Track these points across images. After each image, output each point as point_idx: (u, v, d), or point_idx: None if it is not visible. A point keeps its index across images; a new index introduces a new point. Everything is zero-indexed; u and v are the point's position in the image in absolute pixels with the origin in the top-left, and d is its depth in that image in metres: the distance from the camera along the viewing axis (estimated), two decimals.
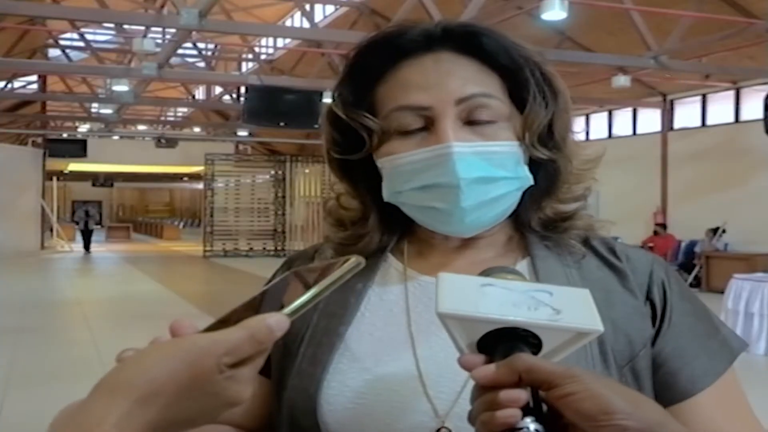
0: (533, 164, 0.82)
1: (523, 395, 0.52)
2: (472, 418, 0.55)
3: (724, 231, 12.68)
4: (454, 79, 0.78)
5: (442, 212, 0.79)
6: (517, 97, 0.80)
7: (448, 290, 0.59)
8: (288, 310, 0.56)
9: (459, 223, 0.79)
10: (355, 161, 0.83)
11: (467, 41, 0.80)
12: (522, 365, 0.53)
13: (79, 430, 0.48)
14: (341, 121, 0.83)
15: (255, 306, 0.59)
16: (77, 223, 24.07)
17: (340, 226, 0.88)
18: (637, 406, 0.53)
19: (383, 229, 0.86)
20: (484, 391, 0.55)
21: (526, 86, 0.79)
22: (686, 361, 0.78)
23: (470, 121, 0.78)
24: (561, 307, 0.58)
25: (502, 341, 0.57)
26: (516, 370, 0.53)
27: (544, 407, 0.54)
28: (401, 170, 0.79)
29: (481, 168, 0.77)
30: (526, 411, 0.52)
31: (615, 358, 0.75)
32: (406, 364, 0.76)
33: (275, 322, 0.54)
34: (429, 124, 0.78)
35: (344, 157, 0.84)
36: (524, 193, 0.82)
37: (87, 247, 23.12)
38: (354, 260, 0.59)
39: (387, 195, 0.83)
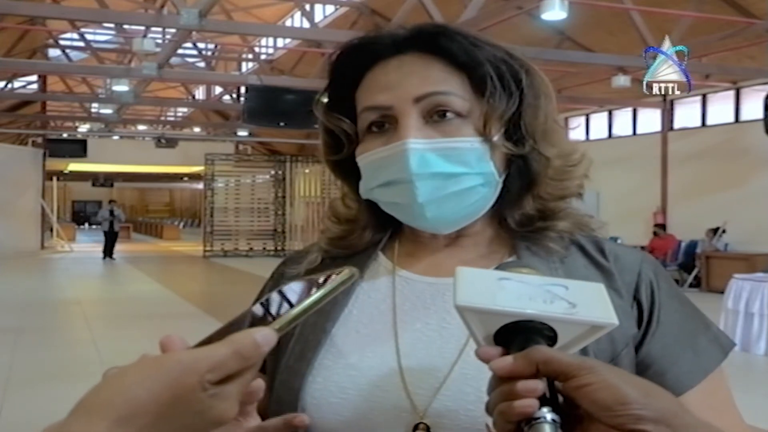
0: (513, 161, 0.82)
1: (540, 386, 0.53)
2: (489, 409, 0.56)
3: (724, 231, 12.68)
4: (413, 79, 0.80)
5: (404, 207, 0.82)
6: (482, 94, 0.81)
7: (466, 283, 0.60)
8: (277, 324, 0.55)
9: (422, 218, 0.81)
10: (349, 162, 0.86)
11: (431, 43, 0.82)
12: (539, 357, 0.54)
13: None
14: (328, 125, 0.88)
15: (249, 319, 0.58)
16: (99, 224, 21.38)
17: (339, 222, 0.91)
18: (652, 396, 0.53)
19: (375, 227, 0.89)
20: (502, 382, 0.55)
21: (485, 82, 0.81)
22: (674, 360, 0.78)
23: (433, 119, 0.80)
24: (576, 300, 0.59)
25: (519, 334, 0.58)
26: (533, 361, 0.54)
27: (560, 398, 0.55)
28: (369, 168, 0.83)
29: (437, 164, 0.79)
30: (543, 401, 0.53)
31: (596, 357, 0.75)
32: (388, 360, 0.78)
33: (262, 337, 0.53)
34: (393, 123, 0.81)
35: (331, 158, 0.89)
36: (505, 190, 0.83)
37: (110, 252, 19.52)
38: (347, 272, 0.60)
39: (362, 192, 0.86)
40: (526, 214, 0.84)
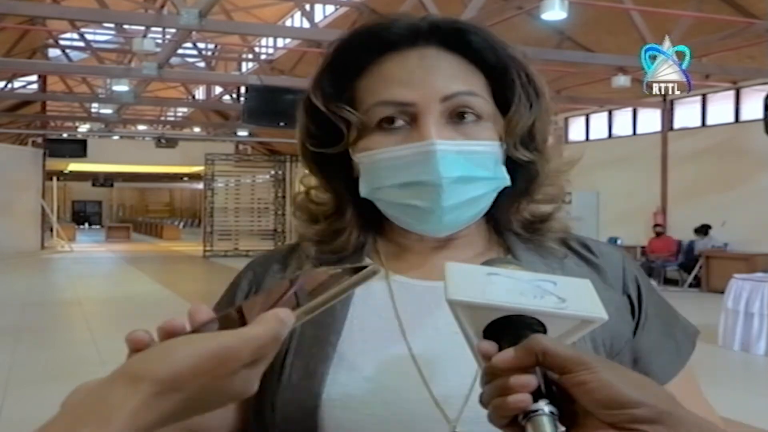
0: (511, 164, 0.81)
1: (533, 380, 0.53)
2: (483, 403, 0.56)
3: (710, 227, 12.72)
4: (439, 76, 0.77)
5: (421, 210, 0.78)
6: (501, 97, 0.80)
7: (456, 278, 0.60)
8: (301, 309, 0.55)
9: (437, 222, 0.78)
10: (330, 154, 0.82)
11: (454, 38, 0.79)
12: (538, 347, 0.54)
13: (93, 414, 0.47)
14: (319, 113, 0.81)
15: (276, 299, 0.58)
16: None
17: (313, 221, 0.86)
18: (648, 393, 0.53)
19: (360, 226, 0.84)
20: (494, 376, 0.55)
21: (512, 87, 0.79)
22: (659, 352, 0.80)
23: (454, 120, 0.77)
24: (565, 295, 0.59)
25: (509, 329, 0.57)
26: (532, 351, 0.54)
27: (554, 388, 0.55)
28: (381, 166, 0.78)
29: (463, 167, 0.76)
30: (540, 394, 0.53)
31: (605, 353, 0.75)
32: (408, 370, 0.75)
33: (287, 317, 0.54)
34: (412, 121, 0.77)
35: (320, 150, 0.82)
36: (501, 193, 0.81)
37: None
38: (370, 268, 0.59)
39: (364, 191, 0.81)
40: (525, 218, 0.84)
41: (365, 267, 0.59)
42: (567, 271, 0.80)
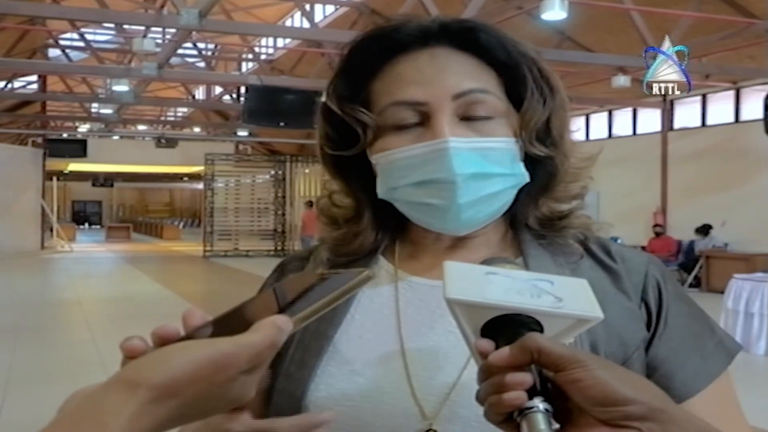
0: (530, 161, 0.81)
1: (528, 378, 0.53)
2: (480, 400, 0.56)
3: (711, 227, 12.72)
4: (450, 75, 0.77)
5: (437, 208, 0.78)
6: (514, 94, 0.80)
7: (455, 277, 0.61)
8: (298, 317, 0.56)
9: (455, 220, 0.78)
10: (349, 158, 0.83)
11: (464, 37, 0.79)
12: (533, 345, 0.54)
13: (90, 420, 0.47)
14: (335, 117, 0.82)
15: (270, 303, 0.58)
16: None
17: (334, 224, 0.87)
18: (641, 392, 0.53)
19: (377, 228, 0.85)
20: (490, 374, 0.55)
21: (524, 82, 0.79)
22: (681, 363, 0.77)
23: (466, 117, 0.77)
24: (562, 295, 0.60)
25: (505, 327, 0.58)
26: (528, 349, 0.54)
27: (549, 385, 0.55)
28: (396, 166, 0.79)
29: (477, 164, 0.76)
30: (535, 391, 0.53)
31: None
32: (395, 366, 0.76)
33: (284, 323, 0.54)
34: (425, 120, 0.77)
35: (338, 153, 0.83)
36: (519, 191, 0.81)
37: None
38: (365, 273, 0.59)
39: (381, 191, 0.82)
40: (544, 215, 0.83)
41: (362, 271, 0.59)
42: (579, 273, 0.79)
